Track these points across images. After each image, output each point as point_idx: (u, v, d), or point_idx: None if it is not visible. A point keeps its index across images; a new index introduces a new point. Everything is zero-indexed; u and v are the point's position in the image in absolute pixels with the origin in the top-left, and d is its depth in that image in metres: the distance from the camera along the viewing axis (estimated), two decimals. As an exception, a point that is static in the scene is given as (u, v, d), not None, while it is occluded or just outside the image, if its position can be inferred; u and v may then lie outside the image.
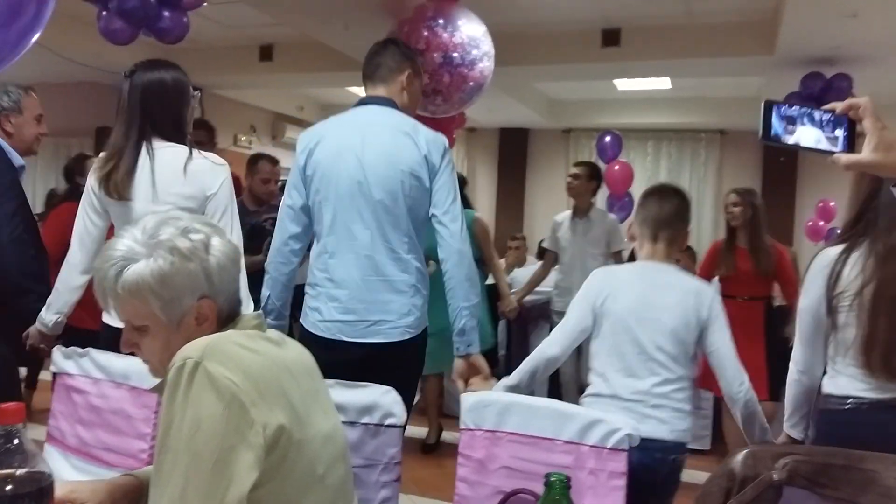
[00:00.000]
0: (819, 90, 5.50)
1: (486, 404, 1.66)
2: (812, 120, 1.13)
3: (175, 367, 1.08)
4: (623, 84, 7.54)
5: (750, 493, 1.33)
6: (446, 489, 1.86)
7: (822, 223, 7.91)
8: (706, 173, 8.97)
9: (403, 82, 2.31)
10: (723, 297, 2.54)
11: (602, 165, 5.76)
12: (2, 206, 2.30)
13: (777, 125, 1.12)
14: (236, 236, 2.25)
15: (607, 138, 6.79)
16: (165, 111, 2.25)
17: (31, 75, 6.14)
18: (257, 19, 5.94)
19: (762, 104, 1.12)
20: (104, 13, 3.46)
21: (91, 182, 2.27)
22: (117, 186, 2.18)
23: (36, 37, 1.78)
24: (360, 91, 2.37)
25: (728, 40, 5.59)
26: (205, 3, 4.08)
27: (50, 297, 2.32)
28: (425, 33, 4.58)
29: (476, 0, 4.86)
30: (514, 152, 9.54)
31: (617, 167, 6.69)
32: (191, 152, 2.25)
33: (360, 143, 2.18)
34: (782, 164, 8.44)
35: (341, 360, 2.04)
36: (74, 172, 4.23)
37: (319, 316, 2.22)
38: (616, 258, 4.51)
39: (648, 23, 5.69)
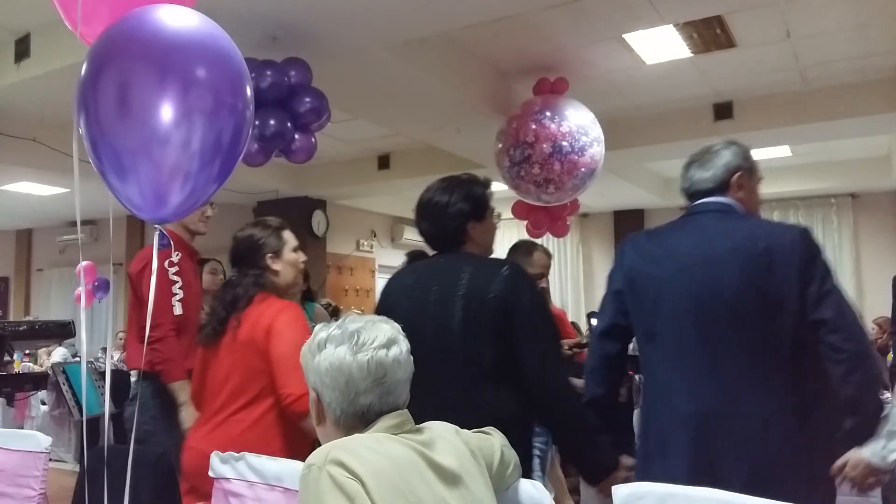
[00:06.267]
0: (958, 141, 5.17)
1: (639, 496, 1.59)
2: None
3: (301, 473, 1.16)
4: (740, 156, 7.35)
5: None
6: (603, 589, 1.77)
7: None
8: (841, 239, 8.49)
9: None
10: None
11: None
12: None
13: None
14: None
15: (729, 212, 6.60)
16: None
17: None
18: (375, 132, 6.31)
19: None
20: (241, 140, 3.76)
21: None
22: None
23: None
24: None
25: (848, 102, 5.38)
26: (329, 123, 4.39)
27: None
28: (533, 126, 4.72)
29: (582, 91, 4.97)
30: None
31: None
32: None
33: None
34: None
35: None
36: None
37: None
38: None
39: (761, 93, 5.59)
